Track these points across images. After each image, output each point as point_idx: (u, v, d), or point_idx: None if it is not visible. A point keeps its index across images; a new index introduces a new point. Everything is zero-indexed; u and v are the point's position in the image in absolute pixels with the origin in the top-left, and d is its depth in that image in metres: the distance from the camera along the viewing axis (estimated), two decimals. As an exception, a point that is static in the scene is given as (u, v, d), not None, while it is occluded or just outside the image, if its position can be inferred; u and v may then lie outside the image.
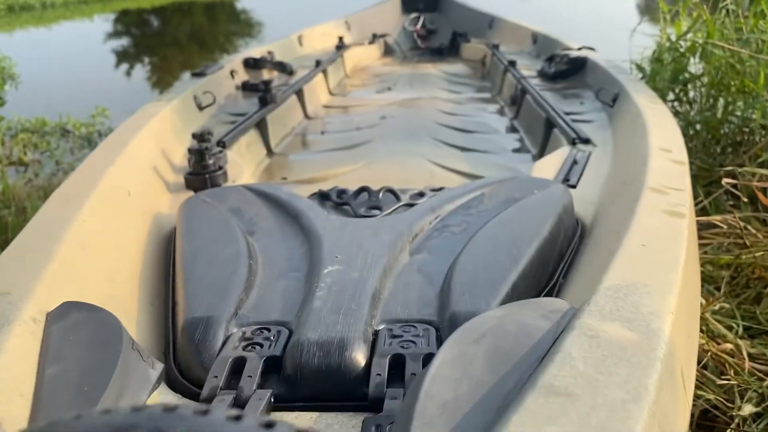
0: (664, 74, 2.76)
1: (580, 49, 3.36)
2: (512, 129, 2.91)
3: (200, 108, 2.43)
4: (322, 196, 1.36)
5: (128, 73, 10.45)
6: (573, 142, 2.01)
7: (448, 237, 1.09)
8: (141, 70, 11.13)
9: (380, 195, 1.26)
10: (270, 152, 2.56)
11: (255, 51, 3.52)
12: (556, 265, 1.11)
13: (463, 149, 2.53)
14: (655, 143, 1.40)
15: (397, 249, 1.01)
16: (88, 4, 18.43)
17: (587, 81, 2.97)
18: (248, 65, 3.31)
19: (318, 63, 3.70)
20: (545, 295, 1.03)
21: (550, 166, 1.71)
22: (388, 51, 5.45)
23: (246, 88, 3.04)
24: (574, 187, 1.53)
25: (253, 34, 15.64)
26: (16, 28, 14.92)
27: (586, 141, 2.00)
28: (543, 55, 3.98)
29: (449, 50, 5.30)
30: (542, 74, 3.28)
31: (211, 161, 1.56)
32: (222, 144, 2.07)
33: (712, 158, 2.73)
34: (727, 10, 2.73)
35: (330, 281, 0.91)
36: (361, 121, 3.06)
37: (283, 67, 3.47)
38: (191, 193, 1.56)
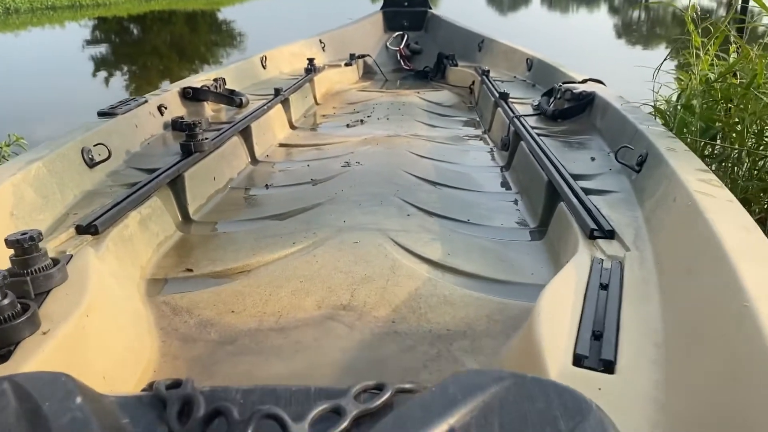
0: (692, 126, 2.14)
1: (584, 81, 2.74)
2: (504, 184, 2.28)
3: (91, 165, 1.76)
4: (156, 400, 0.69)
5: (106, 82, 9.87)
6: (591, 235, 1.38)
7: None
8: (120, 79, 10.56)
9: (250, 429, 0.59)
10: (186, 220, 1.90)
11: (198, 78, 2.85)
12: None
13: (440, 217, 1.89)
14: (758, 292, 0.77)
15: None
16: (56, 10, 17.60)
17: (596, 124, 2.34)
18: (186, 97, 2.64)
19: (277, 92, 3.04)
20: None
21: (563, 299, 1.06)
22: (367, 73, 4.80)
23: (177, 127, 2.37)
24: (611, 368, 0.88)
25: (234, 44, 15.08)
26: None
27: (610, 234, 1.37)
28: (540, 85, 3.36)
29: (435, 73, 4.66)
30: (540, 111, 2.65)
31: (6, 301, 0.89)
32: (91, 229, 1.40)
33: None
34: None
35: None
36: (319, 169, 2.40)
37: (231, 99, 2.80)
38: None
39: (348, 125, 3.19)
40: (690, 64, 2.45)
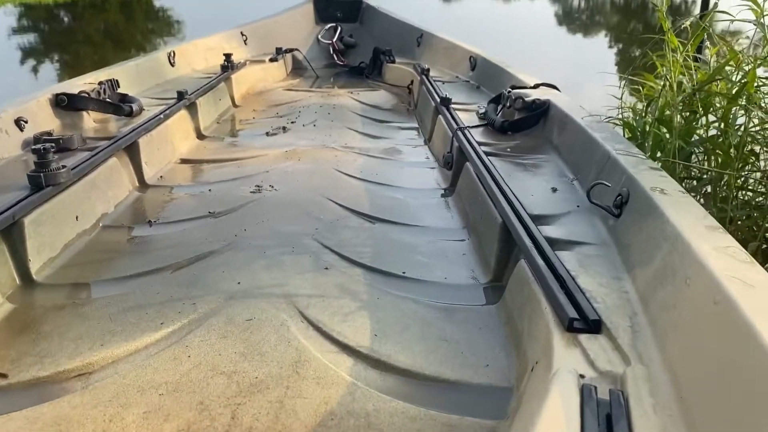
0: (668, 144, 1.75)
1: (536, 86, 2.33)
2: (448, 216, 1.84)
3: None
4: None
5: (35, 71, 9.07)
6: (570, 326, 0.96)
7: None
8: (50, 70, 9.72)
9: None
10: (27, 283, 1.39)
11: (81, 80, 2.31)
12: None
13: (368, 270, 1.45)
14: None
15: None
16: (-32, -3, 16.27)
17: (553, 140, 1.94)
18: (60, 105, 2.10)
19: (180, 95, 2.52)
20: None
21: None
22: (296, 69, 4.28)
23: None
24: None
25: (172, 33, 14.24)
26: None
27: (596, 326, 0.95)
28: (485, 87, 2.94)
29: (371, 70, 4.19)
30: (487, 121, 2.23)
31: None
32: None
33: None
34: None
35: None
36: (223, 195, 1.92)
37: (118, 107, 2.27)
38: None
39: (268, 134, 2.70)
40: (657, 67, 2.06)
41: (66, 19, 15.70)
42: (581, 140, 1.68)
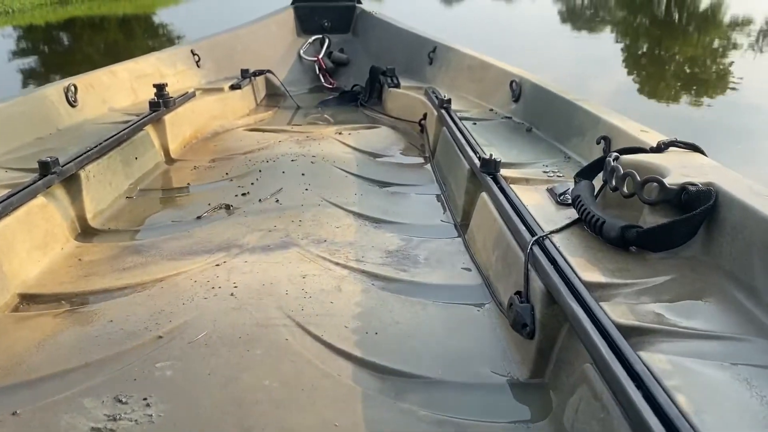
0: None
1: (661, 147, 1.21)
2: None
3: None
4: None
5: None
6: None
7: None
8: None
9: None
10: None
11: None
12: None
13: None
14: None
15: None
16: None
17: (754, 283, 0.81)
18: None
19: (45, 168, 1.43)
20: None
21: None
22: (271, 96, 3.16)
23: None
24: None
25: (173, 49, 13.22)
26: None
27: None
28: (541, 130, 1.82)
29: (367, 96, 3.05)
30: (581, 215, 1.10)
31: None
32: None
33: None
34: None
35: None
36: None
37: None
38: None
39: (200, 218, 1.60)
40: None
41: (65, 40, 14.86)
42: None
